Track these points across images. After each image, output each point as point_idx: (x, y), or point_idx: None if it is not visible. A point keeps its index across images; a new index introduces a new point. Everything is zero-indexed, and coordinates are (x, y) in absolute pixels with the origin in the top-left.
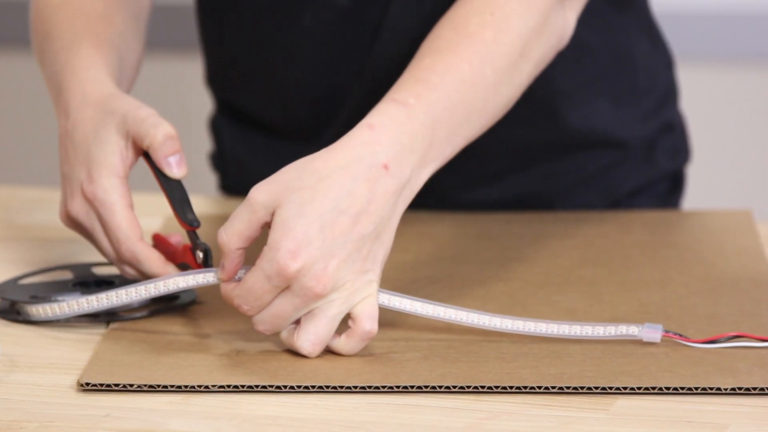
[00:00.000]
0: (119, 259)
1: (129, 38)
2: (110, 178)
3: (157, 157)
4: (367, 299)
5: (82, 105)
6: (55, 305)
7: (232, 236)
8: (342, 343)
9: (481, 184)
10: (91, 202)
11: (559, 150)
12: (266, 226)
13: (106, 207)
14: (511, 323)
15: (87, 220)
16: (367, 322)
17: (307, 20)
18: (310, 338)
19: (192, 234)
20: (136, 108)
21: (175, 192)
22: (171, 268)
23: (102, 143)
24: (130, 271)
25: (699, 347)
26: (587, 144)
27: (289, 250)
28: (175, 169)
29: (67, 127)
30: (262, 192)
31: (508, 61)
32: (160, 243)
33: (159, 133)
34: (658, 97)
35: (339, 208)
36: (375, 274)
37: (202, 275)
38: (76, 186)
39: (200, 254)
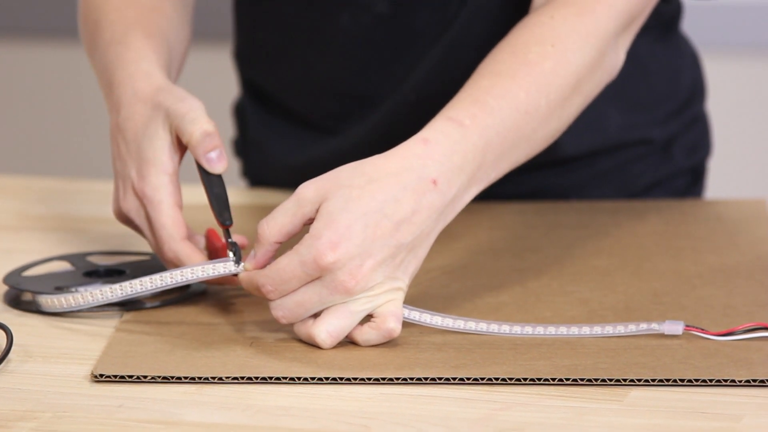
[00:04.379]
0: (163, 257)
1: (178, 27)
2: (159, 176)
3: (197, 154)
4: (392, 301)
5: (133, 100)
6: (78, 295)
7: (273, 228)
8: (362, 333)
9: None
10: (140, 200)
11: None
12: (309, 223)
13: (153, 205)
14: (531, 329)
15: (137, 217)
16: (392, 320)
17: (345, 20)
18: (329, 329)
19: (225, 231)
20: (179, 101)
21: (215, 188)
22: None
23: (151, 139)
24: None
25: (714, 339)
26: (600, 148)
27: (330, 240)
28: (215, 164)
29: (119, 122)
30: (309, 188)
31: (562, 93)
32: (210, 239)
33: (197, 130)
34: (682, 98)
35: (384, 212)
36: (404, 284)
37: (222, 265)
38: (128, 183)
39: (230, 252)
